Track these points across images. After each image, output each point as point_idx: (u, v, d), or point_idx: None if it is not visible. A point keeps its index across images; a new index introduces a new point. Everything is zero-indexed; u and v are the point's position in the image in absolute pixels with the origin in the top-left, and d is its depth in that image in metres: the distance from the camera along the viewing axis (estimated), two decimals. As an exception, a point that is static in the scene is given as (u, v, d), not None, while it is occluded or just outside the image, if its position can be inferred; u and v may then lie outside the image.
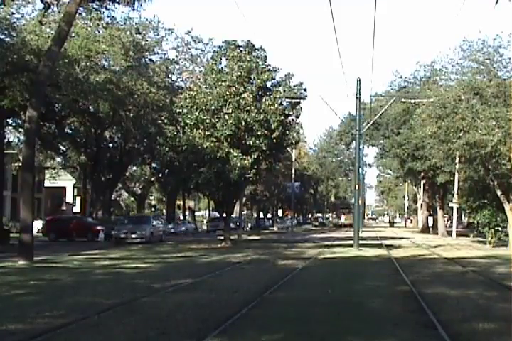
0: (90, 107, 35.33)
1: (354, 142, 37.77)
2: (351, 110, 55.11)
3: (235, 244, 32.61)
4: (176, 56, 42.19)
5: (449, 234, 47.11)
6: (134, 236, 33.65)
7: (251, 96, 29.60)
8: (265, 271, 16.73)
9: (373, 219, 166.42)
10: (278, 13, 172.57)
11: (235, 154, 29.28)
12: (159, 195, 76.04)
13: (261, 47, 31.71)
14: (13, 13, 28.11)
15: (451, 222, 54.78)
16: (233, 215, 43.94)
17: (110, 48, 29.43)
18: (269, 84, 31.53)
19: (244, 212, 75.80)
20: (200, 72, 37.86)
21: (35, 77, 23.26)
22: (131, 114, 36.41)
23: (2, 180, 34.90)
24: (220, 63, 31.81)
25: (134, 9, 34.27)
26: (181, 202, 68.10)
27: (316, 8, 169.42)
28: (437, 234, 51.25)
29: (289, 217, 77.03)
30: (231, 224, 38.58)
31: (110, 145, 46.41)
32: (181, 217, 66.40)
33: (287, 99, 31.57)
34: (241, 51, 30.88)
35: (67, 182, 67.28)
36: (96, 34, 30.02)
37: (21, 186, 21.65)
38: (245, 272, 16.93)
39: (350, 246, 28.27)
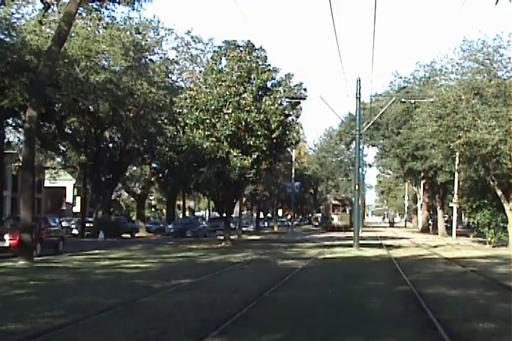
0: (90, 107, 35.30)
1: (354, 142, 37.75)
2: (351, 110, 55.04)
3: (235, 243, 32.62)
4: (176, 56, 42.19)
5: (449, 234, 47.11)
6: None
7: (251, 96, 29.60)
8: (265, 271, 16.73)
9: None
10: (278, 13, 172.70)
11: (235, 154, 29.28)
12: (159, 195, 75.91)
13: (261, 47, 31.75)
14: (13, 13, 28.10)
15: (451, 222, 54.75)
16: (233, 215, 43.95)
17: (110, 48, 29.41)
18: (269, 84, 31.54)
19: (244, 212, 75.67)
20: (200, 72, 37.82)
21: (35, 77, 23.24)
22: (131, 114, 36.37)
23: (2, 180, 34.90)
24: (220, 63, 31.81)
25: (134, 9, 34.30)
26: (181, 202, 68.08)
27: (316, 8, 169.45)
28: (437, 234, 51.25)
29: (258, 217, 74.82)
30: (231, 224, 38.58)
31: (110, 145, 46.33)
32: (181, 217, 66.33)
33: (287, 99, 31.60)
34: (241, 51, 30.88)
35: (67, 182, 67.18)
36: (96, 34, 30.00)
37: (21, 186, 21.64)
38: (245, 272, 16.94)
39: (350, 246, 28.28)
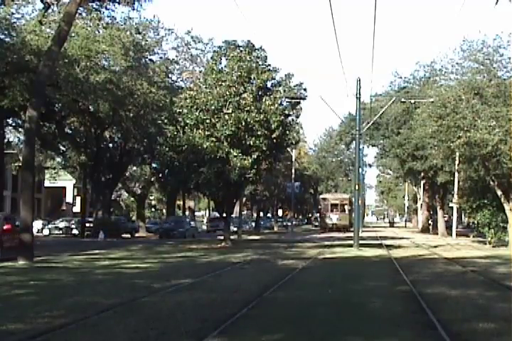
0: (90, 107, 35.31)
1: (354, 142, 37.75)
2: (351, 110, 55.05)
3: (235, 243, 32.62)
4: (176, 56, 42.25)
5: (449, 234, 47.12)
6: None
7: (251, 96, 29.59)
8: (265, 271, 16.73)
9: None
10: (278, 13, 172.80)
11: (235, 154, 29.27)
12: (159, 195, 75.94)
13: (261, 47, 31.73)
14: (13, 13, 28.14)
15: (452, 222, 54.78)
16: (233, 215, 43.93)
17: (110, 48, 29.45)
18: (269, 84, 31.53)
19: (244, 212, 75.63)
20: (200, 72, 37.85)
21: (35, 77, 23.26)
22: (131, 114, 36.38)
23: (2, 180, 34.90)
24: (220, 63, 31.81)
25: (134, 9, 34.37)
26: (181, 202, 68.09)
27: (316, 8, 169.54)
28: (437, 234, 51.25)
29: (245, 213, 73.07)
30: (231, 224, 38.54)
31: (110, 145, 46.37)
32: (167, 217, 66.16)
33: (287, 99, 31.60)
34: (241, 51, 30.87)
35: (67, 182, 67.25)
36: (96, 34, 30.04)
37: (21, 186, 21.63)
38: (245, 272, 16.94)
39: (350, 246, 28.28)
